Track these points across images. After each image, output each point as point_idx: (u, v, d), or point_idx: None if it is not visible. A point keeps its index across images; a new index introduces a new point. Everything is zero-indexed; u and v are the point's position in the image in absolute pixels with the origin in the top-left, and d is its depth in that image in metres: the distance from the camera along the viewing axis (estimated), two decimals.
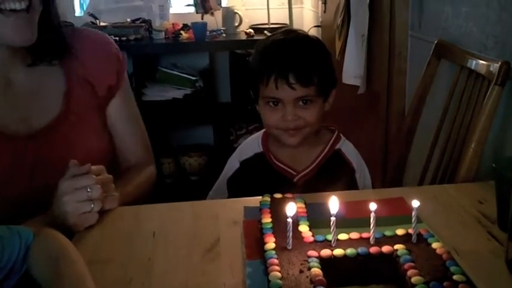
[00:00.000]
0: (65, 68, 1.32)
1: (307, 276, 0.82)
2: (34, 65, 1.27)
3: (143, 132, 1.51)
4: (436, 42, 1.72)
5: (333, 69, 1.34)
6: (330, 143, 1.38)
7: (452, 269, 0.84)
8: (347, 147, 1.39)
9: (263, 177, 1.37)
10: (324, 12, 2.88)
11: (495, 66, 1.40)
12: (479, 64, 1.49)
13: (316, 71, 1.27)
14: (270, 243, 0.92)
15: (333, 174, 1.35)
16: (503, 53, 1.47)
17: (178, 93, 3.11)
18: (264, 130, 1.41)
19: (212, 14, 3.13)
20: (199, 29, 2.98)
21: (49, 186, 1.11)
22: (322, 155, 1.37)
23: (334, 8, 2.56)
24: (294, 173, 1.35)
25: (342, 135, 1.40)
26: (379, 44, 2.22)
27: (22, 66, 1.27)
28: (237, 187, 1.40)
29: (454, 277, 0.82)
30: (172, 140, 3.31)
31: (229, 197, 1.40)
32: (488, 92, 1.39)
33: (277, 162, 1.37)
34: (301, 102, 1.27)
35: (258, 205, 1.08)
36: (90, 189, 1.10)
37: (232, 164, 1.43)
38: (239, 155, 1.43)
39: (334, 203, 0.91)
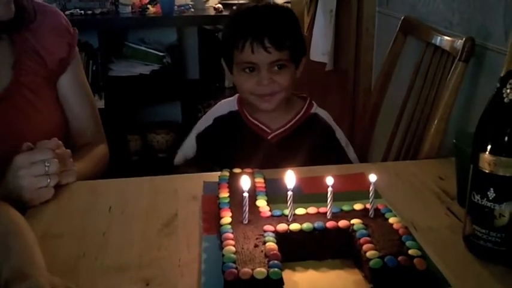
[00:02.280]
0: (13, 39, 1.27)
1: (261, 251, 0.81)
2: None
3: (94, 108, 1.46)
4: (402, 18, 1.71)
5: (303, 37, 1.38)
6: (305, 107, 1.40)
7: (408, 243, 0.84)
8: (322, 112, 1.42)
9: (236, 135, 1.39)
10: None
11: (459, 43, 1.39)
12: (444, 40, 1.49)
13: (289, 35, 1.30)
14: (226, 218, 0.90)
15: (311, 134, 1.37)
16: (469, 29, 1.46)
17: (145, 69, 3.06)
18: (238, 94, 1.42)
19: None
20: (166, 3, 2.92)
21: (2, 158, 1.07)
22: (297, 117, 1.39)
23: None
24: (268, 131, 1.37)
25: (314, 102, 1.43)
26: (347, 20, 2.21)
27: None
28: (208, 143, 1.43)
29: (410, 252, 0.81)
30: (139, 116, 3.26)
31: (198, 152, 1.43)
32: (452, 68, 1.39)
33: (252, 120, 1.38)
34: (275, 68, 1.29)
35: (217, 180, 1.07)
36: (47, 163, 1.07)
37: (204, 121, 1.45)
38: (212, 113, 1.45)
39: (290, 178, 0.90)
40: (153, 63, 3.07)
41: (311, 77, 2.56)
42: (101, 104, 2.89)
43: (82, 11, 2.92)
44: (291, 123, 1.38)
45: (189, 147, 1.46)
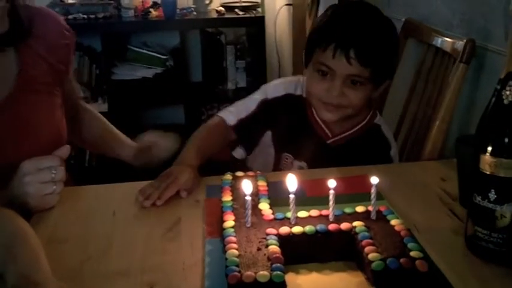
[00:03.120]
0: (17, 48, 1.28)
1: (264, 254, 0.82)
2: None
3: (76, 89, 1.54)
4: (403, 20, 1.72)
5: (394, 59, 1.30)
6: (369, 116, 1.35)
7: (410, 245, 0.84)
8: (384, 124, 1.38)
9: (298, 123, 1.34)
10: None
11: (460, 44, 1.40)
12: (445, 42, 1.49)
13: (379, 54, 1.21)
14: (229, 221, 0.91)
15: (368, 146, 1.33)
16: (470, 30, 1.47)
17: (148, 73, 3.07)
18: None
19: None
20: (169, 6, 2.93)
21: (3, 166, 1.08)
22: (360, 126, 1.33)
23: None
24: (329, 134, 1.33)
25: (377, 111, 1.39)
26: None
27: None
28: (270, 113, 1.35)
29: (412, 253, 0.82)
30: (142, 120, 3.27)
31: (255, 116, 1.35)
32: (453, 70, 1.40)
33: (316, 118, 1.32)
34: (350, 82, 1.22)
35: (220, 184, 1.07)
36: (54, 170, 1.07)
37: (275, 89, 1.38)
38: (285, 85, 1.38)
39: (292, 181, 0.90)
40: (156, 67, 3.08)
41: None
42: (104, 107, 2.91)
43: (85, 15, 2.93)
44: (352, 131, 1.33)
45: (245, 108, 1.37)
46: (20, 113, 1.24)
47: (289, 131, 1.33)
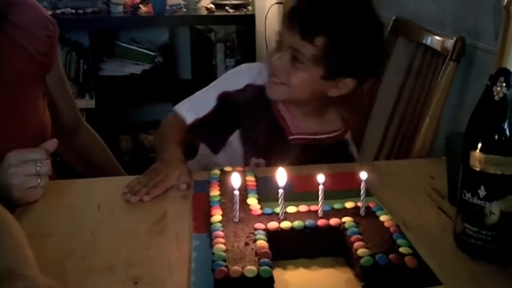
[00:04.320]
0: None
1: (252, 249, 0.80)
2: None
3: (72, 97, 1.51)
4: (393, 19, 1.71)
5: (357, 55, 1.18)
6: (341, 131, 1.31)
7: (399, 241, 0.84)
8: (352, 143, 1.34)
9: (261, 115, 1.28)
10: None
11: (450, 42, 1.40)
12: (435, 40, 1.49)
13: (324, 32, 1.14)
14: (217, 216, 0.90)
15: (331, 156, 1.27)
16: (460, 29, 1.47)
17: (136, 69, 3.05)
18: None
19: None
20: (158, 2, 2.91)
21: None
22: (328, 135, 1.29)
23: None
24: (293, 131, 1.28)
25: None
26: None
27: None
28: (232, 108, 1.29)
29: (401, 249, 0.81)
30: (130, 116, 3.25)
31: (215, 112, 1.29)
32: (443, 68, 1.39)
33: (280, 110, 1.28)
34: (295, 60, 1.17)
35: (208, 179, 1.06)
36: (39, 163, 1.06)
37: (234, 81, 1.32)
38: (244, 77, 1.31)
39: (281, 176, 0.89)
40: (144, 63, 3.06)
41: None
42: (91, 103, 2.89)
43: (73, 10, 2.90)
44: (317, 137, 1.29)
45: (202, 103, 1.31)
46: (3, 103, 1.22)
47: (253, 126, 1.28)
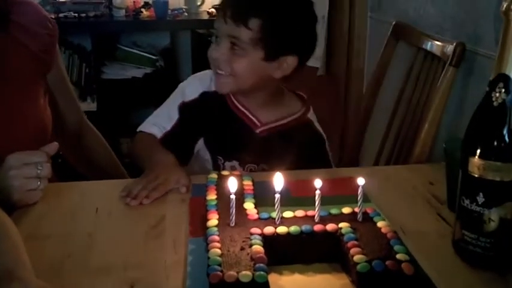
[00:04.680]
0: None
1: (248, 254, 0.80)
2: None
3: (75, 99, 1.51)
4: (393, 23, 1.71)
5: (292, 31, 1.19)
6: (302, 111, 1.32)
7: (396, 248, 0.83)
8: (315, 118, 1.35)
9: (223, 118, 1.29)
10: None
11: (450, 47, 1.39)
12: (435, 45, 1.49)
13: (257, 14, 1.16)
14: (213, 220, 0.89)
15: (301, 139, 1.29)
16: (460, 34, 1.46)
17: (138, 72, 3.05)
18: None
19: None
20: (160, 7, 2.91)
21: None
22: (291, 118, 1.29)
23: None
24: (258, 124, 1.28)
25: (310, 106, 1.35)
26: (339, 25, 2.20)
27: None
28: (193, 118, 1.29)
29: (398, 256, 0.81)
30: (131, 119, 3.23)
31: (180, 124, 1.29)
32: (443, 73, 1.39)
33: (239, 107, 1.28)
34: (235, 48, 1.18)
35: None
36: (40, 166, 1.05)
37: (190, 91, 1.31)
38: (199, 85, 1.31)
39: (278, 180, 0.89)
40: (145, 67, 3.06)
41: (302, 82, 2.55)
42: (93, 106, 2.89)
43: (76, 14, 2.90)
44: (282, 122, 1.29)
45: (166, 117, 1.31)
46: (3, 102, 1.22)
47: (217, 131, 1.28)
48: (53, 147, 1.10)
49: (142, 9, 3.00)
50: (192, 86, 1.32)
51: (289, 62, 1.22)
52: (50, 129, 1.30)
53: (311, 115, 1.34)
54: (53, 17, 2.46)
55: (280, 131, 1.29)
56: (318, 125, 1.35)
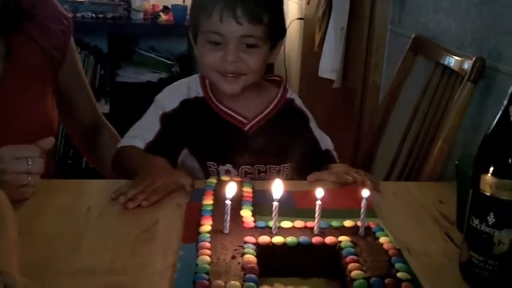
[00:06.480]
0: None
1: (239, 263, 0.76)
2: None
3: (91, 94, 1.47)
4: (413, 37, 1.67)
5: (283, 13, 1.22)
6: (281, 92, 1.27)
7: (398, 266, 0.78)
8: (296, 97, 1.31)
9: (207, 124, 1.23)
10: (308, 4, 2.81)
11: (469, 63, 1.34)
12: (454, 60, 1.44)
13: (268, 8, 1.14)
14: (206, 226, 0.85)
15: (287, 123, 1.25)
16: (481, 50, 1.41)
17: (153, 77, 3.05)
18: (199, 74, 1.27)
19: None
20: (179, 12, 2.91)
21: None
22: (274, 103, 1.25)
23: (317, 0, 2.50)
24: (245, 121, 1.23)
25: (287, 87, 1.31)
26: (358, 37, 2.17)
27: None
28: (176, 127, 1.23)
29: (398, 275, 0.76)
30: None
31: (163, 135, 1.22)
32: (460, 88, 1.34)
33: (223, 108, 1.23)
34: (245, 46, 1.14)
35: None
36: (31, 161, 1.02)
37: (169, 101, 1.25)
38: (177, 94, 1.25)
39: (277, 187, 0.84)
40: (161, 71, 3.05)
41: (318, 94, 2.52)
42: (106, 108, 2.88)
43: (93, 14, 2.90)
44: (267, 112, 1.24)
45: (148, 128, 1.23)
46: (8, 98, 1.19)
47: (204, 137, 1.23)
48: (48, 142, 1.06)
49: (161, 13, 2.99)
50: (170, 96, 1.26)
51: (279, 45, 1.23)
52: (55, 129, 1.28)
53: (290, 94, 1.30)
54: (70, 16, 2.46)
55: (267, 121, 1.24)
56: (299, 102, 1.31)
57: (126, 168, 1.15)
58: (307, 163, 1.23)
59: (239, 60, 1.14)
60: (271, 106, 1.25)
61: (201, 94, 1.24)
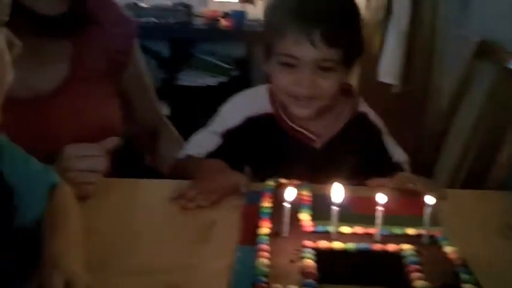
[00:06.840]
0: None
1: (297, 267, 0.74)
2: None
3: (153, 97, 1.46)
4: (478, 41, 1.61)
5: (361, 33, 1.15)
6: (352, 106, 1.21)
7: (464, 277, 0.75)
8: (368, 109, 1.24)
9: (275, 141, 1.18)
10: (367, 7, 2.77)
11: None
12: None
13: (347, 30, 1.09)
14: (264, 229, 0.84)
15: (359, 138, 1.19)
16: None
17: (213, 81, 3.07)
18: (268, 86, 1.22)
19: (253, 3, 3.07)
20: (238, 17, 2.93)
21: (54, 154, 1.05)
22: (344, 117, 1.19)
23: (377, 3, 2.46)
24: (315, 138, 1.18)
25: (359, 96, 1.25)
26: (419, 41, 2.12)
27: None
28: (239, 144, 1.19)
29: (464, 286, 0.73)
30: (203, 126, 3.26)
31: (225, 151, 1.18)
32: None
33: (294, 126, 1.17)
34: (320, 69, 1.09)
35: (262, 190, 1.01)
36: (94, 160, 1.04)
37: (233, 117, 1.21)
38: (243, 110, 1.20)
39: (337, 191, 0.83)
40: (220, 75, 3.07)
41: (377, 99, 2.47)
42: (166, 111, 2.92)
43: (156, 20, 2.95)
44: (340, 126, 1.18)
45: (209, 141, 1.20)
46: (72, 99, 1.22)
47: (269, 155, 1.18)
48: (113, 141, 1.08)
49: (221, 19, 3.02)
50: (234, 111, 1.22)
51: (355, 64, 1.17)
52: (119, 130, 1.28)
53: (364, 107, 1.23)
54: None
55: (338, 137, 1.19)
56: (373, 115, 1.24)
57: (184, 171, 1.15)
58: (377, 176, 1.14)
59: (314, 85, 1.09)
60: (344, 122, 1.19)
61: (269, 110, 1.19)
